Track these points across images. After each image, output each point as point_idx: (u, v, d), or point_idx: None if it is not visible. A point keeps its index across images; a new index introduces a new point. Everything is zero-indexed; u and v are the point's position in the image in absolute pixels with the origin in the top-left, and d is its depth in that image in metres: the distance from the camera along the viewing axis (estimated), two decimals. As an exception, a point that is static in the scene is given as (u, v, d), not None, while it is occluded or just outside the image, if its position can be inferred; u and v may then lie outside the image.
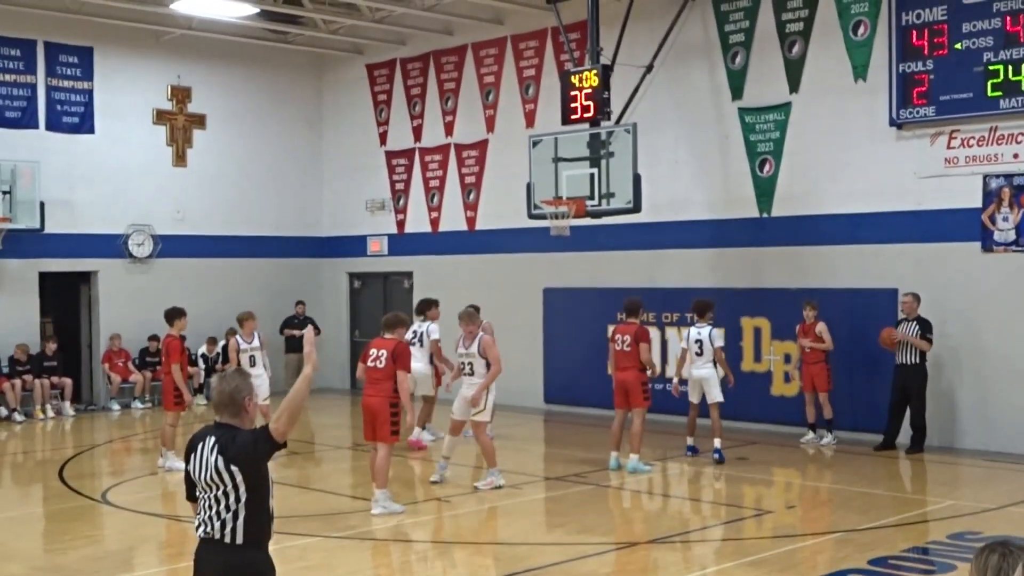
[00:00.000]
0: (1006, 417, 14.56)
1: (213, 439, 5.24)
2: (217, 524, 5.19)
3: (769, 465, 14.29)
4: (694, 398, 14.69)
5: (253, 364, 14.82)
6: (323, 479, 13.93)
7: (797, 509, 12.03)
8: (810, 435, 15.58)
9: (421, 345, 15.56)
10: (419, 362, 15.17)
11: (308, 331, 5.44)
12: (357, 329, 23.66)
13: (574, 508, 11.91)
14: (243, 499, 5.16)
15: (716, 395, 14.46)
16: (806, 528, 10.92)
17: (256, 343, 15.06)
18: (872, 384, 15.51)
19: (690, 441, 14.92)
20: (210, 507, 5.22)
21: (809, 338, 15.33)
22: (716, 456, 14.32)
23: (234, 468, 5.13)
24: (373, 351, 11.60)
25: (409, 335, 14.78)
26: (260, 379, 14.57)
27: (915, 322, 14.62)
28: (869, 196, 15.73)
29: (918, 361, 14.61)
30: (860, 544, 9.91)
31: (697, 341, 14.40)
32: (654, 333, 17.89)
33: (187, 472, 5.40)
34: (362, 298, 23.78)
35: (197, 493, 5.33)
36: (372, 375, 11.53)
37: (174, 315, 14.52)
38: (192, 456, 5.31)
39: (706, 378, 14.50)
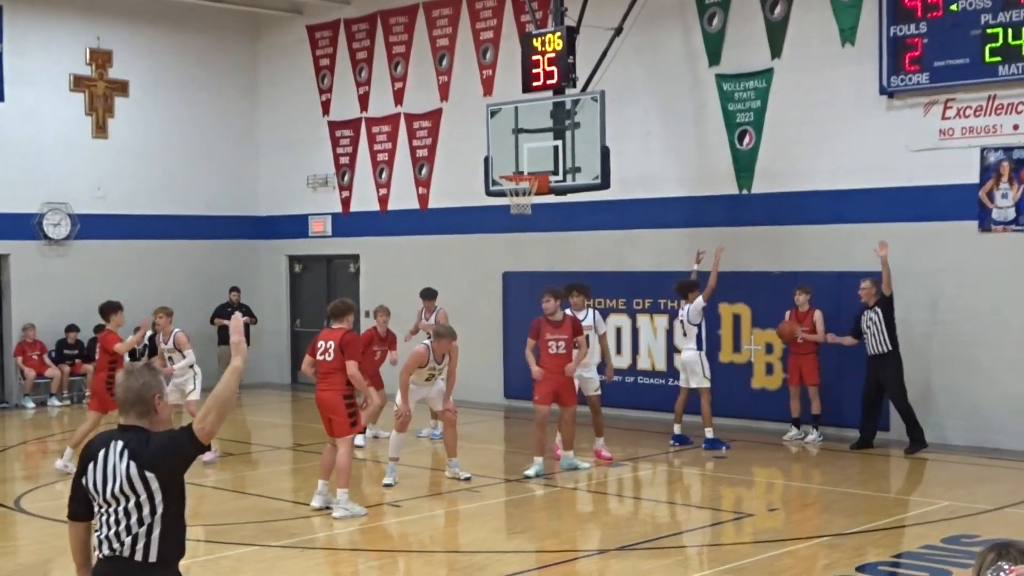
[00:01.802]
0: (1006, 411, 14.71)
1: (121, 443, 5.01)
2: (127, 540, 4.97)
3: (749, 464, 14.37)
4: (683, 382, 15.34)
5: (173, 365, 14.81)
6: (260, 482, 13.87)
7: (780, 512, 12.10)
8: (793, 431, 15.71)
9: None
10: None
11: (235, 318, 5.28)
12: (298, 318, 23.56)
13: (537, 512, 11.94)
14: (159, 511, 4.97)
15: (699, 381, 15.03)
16: (789, 532, 10.99)
17: (171, 344, 14.95)
18: (859, 376, 15.62)
19: (676, 430, 15.42)
20: (117, 522, 4.99)
21: (805, 326, 15.46)
22: (704, 446, 14.93)
23: (149, 475, 4.93)
24: (321, 343, 11.78)
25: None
26: (184, 378, 14.73)
27: (876, 309, 14.66)
28: (857, 171, 15.83)
29: (889, 348, 14.63)
30: (848, 549, 9.99)
31: (680, 321, 15.26)
32: (624, 320, 17.99)
33: (76, 485, 5.17)
34: (303, 284, 23.67)
35: (96, 508, 5.08)
36: (322, 368, 11.75)
37: (110, 309, 14.45)
38: (92, 466, 5.06)
39: (688, 362, 15.10)
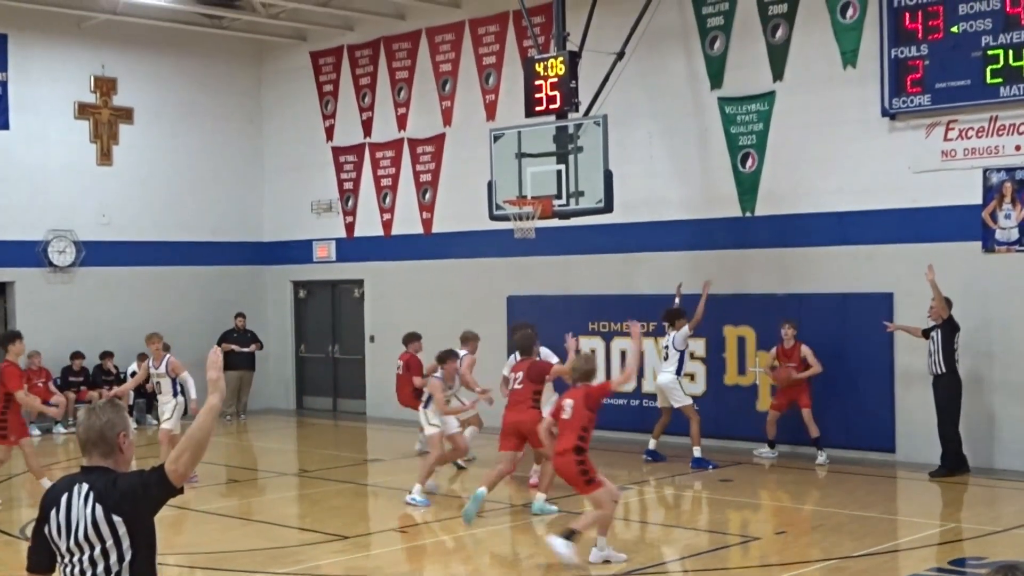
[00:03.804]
0: (1011, 433, 14.67)
1: (87, 486, 4.71)
2: None
3: (756, 487, 14.35)
4: (661, 403, 15.92)
5: (160, 391, 15.17)
6: (266, 509, 13.85)
7: (787, 535, 12.07)
8: (764, 450, 16.00)
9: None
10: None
11: (213, 353, 4.96)
12: (303, 343, 23.55)
13: (542, 539, 11.89)
14: (127, 558, 4.65)
15: (680, 400, 15.52)
16: (796, 556, 10.96)
17: (162, 369, 15.06)
18: (865, 398, 15.61)
19: (651, 445, 15.89)
20: (82, 572, 4.67)
21: (793, 362, 15.49)
22: (692, 465, 15.18)
23: (117, 519, 4.63)
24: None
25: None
26: (167, 405, 15.04)
27: (938, 330, 14.37)
28: (860, 193, 15.83)
29: (943, 371, 14.31)
30: (854, 572, 9.97)
31: (665, 347, 15.75)
32: (628, 344, 17.94)
33: (37, 534, 4.86)
34: (308, 309, 23.67)
35: (60, 559, 4.77)
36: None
37: (8, 339, 14.72)
38: (55, 512, 4.75)
39: (665, 385, 15.61)
